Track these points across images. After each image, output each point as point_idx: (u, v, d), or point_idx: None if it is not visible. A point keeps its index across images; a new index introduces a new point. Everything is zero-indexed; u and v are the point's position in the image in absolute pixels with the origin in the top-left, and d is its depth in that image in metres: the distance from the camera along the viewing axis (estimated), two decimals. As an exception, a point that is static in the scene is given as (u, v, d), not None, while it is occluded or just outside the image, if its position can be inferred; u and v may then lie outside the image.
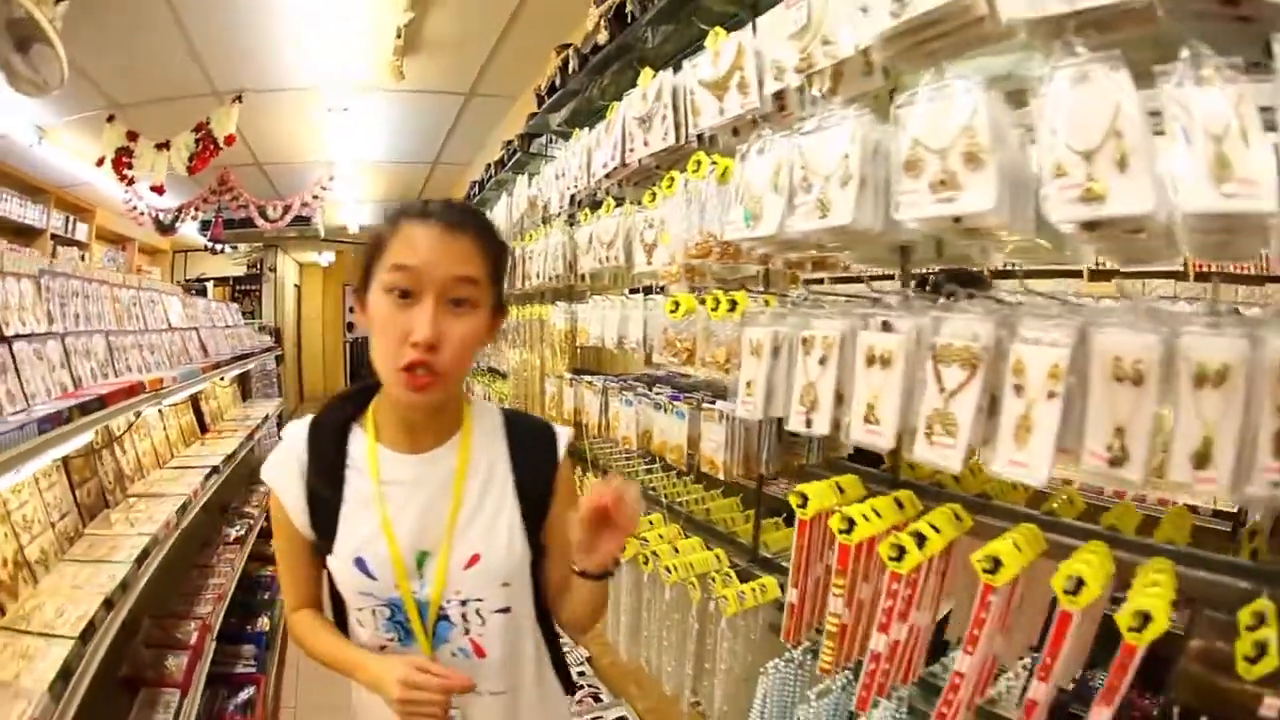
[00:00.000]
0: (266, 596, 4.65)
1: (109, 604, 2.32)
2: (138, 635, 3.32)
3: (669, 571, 2.23)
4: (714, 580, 2.10)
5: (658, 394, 2.55)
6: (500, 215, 4.65)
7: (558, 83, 3.54)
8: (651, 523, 2.61)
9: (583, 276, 3.22)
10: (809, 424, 1.59)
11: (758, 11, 1.90)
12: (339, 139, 7.99)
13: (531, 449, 1.53)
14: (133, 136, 6.58)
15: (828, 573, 1.62)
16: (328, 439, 1.46)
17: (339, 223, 11.75)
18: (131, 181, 7.02)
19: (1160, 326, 1.06)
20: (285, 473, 1.46)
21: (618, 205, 2.78)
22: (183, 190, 8.49)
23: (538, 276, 3.74)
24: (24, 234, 8.78)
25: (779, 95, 1.84)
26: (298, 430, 1.50)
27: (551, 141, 4.27)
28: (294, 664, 4.29)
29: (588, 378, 3.18)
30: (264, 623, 4.28)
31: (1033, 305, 1.34)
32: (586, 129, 3.02)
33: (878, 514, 1.50)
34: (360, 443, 1.46)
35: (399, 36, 5.02)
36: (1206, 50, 1.00)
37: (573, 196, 3.23)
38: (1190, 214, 0.99)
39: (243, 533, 4.87)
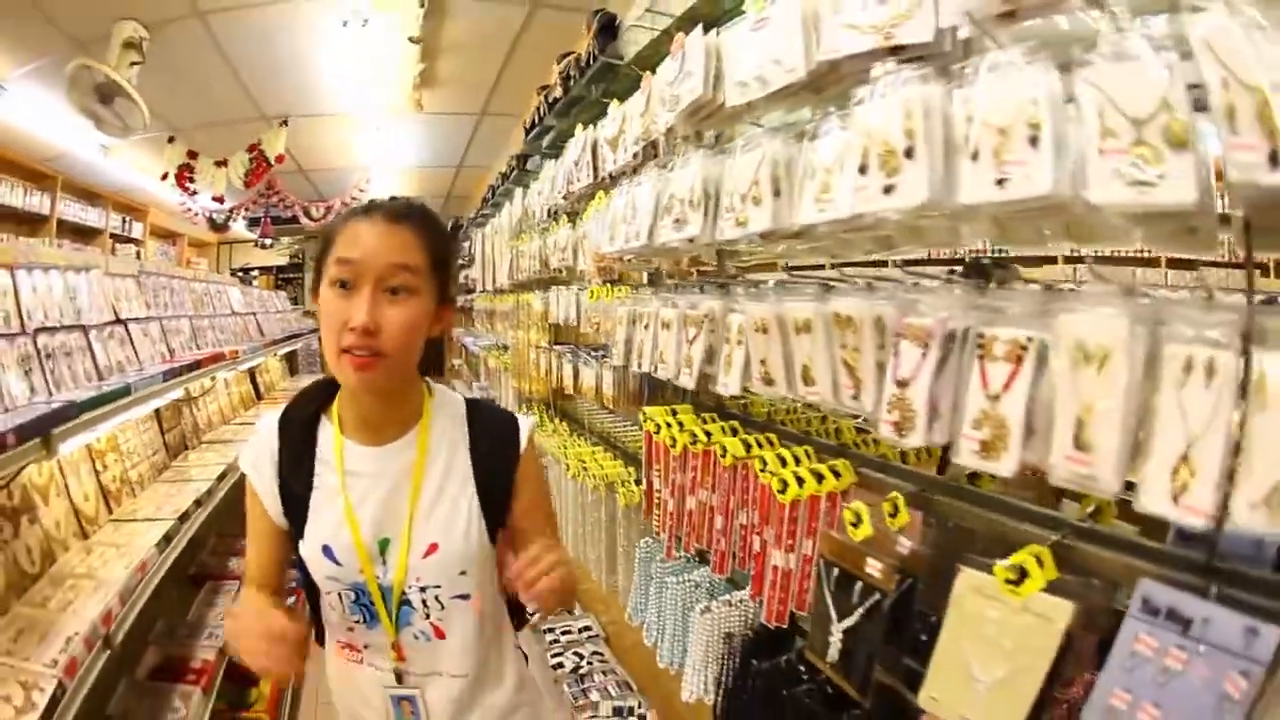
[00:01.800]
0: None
1: (184, 517, 3.16)
2: (205, 547, 4.26)
3: (591, 479, 3.16)
4: (619, 484, 3.01)
5: (584, 353, 3.52)
6: (505, 220, 5.55)
7: (537, 119, 4.43)
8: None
9: (555, 271, 4.08)
10: (655, 370, 2.39)
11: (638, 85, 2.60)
12: (373, 150, 8.94)
13: (492, 439, 1.59)
14: (193, 155, 7.64)
15: (664, 467, 2.42)
16: (297, 432, 1.54)
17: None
18: (194, 193, 8.08)
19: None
20: (259, 464, 1.54)
21: (570, 220, 3.67)
22: (234, 193, 9.54)
23: (526, 271, 4.65)
24: (84, 234, 9.78)
25: (653, 144, 2.49)
26: (270, 422, 1.57)
27: (541, 162, 5.09)
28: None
29: (557, 347, 4.14)
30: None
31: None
32: (555, 159, 3.92)
33: (680, 426, 2.31)
34: (327, 435, 1.53)
35: (416, 78, 5.98)
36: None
37: (547, 210, 4.09)
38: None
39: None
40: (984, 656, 1.27)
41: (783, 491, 1.79)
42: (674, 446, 2.29)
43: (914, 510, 1.53)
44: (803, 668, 1.85)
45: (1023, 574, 1.20)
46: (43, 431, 2.04)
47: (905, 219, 1.36)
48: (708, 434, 2.19)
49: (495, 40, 5.72)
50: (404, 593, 1.49)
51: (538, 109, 4.41)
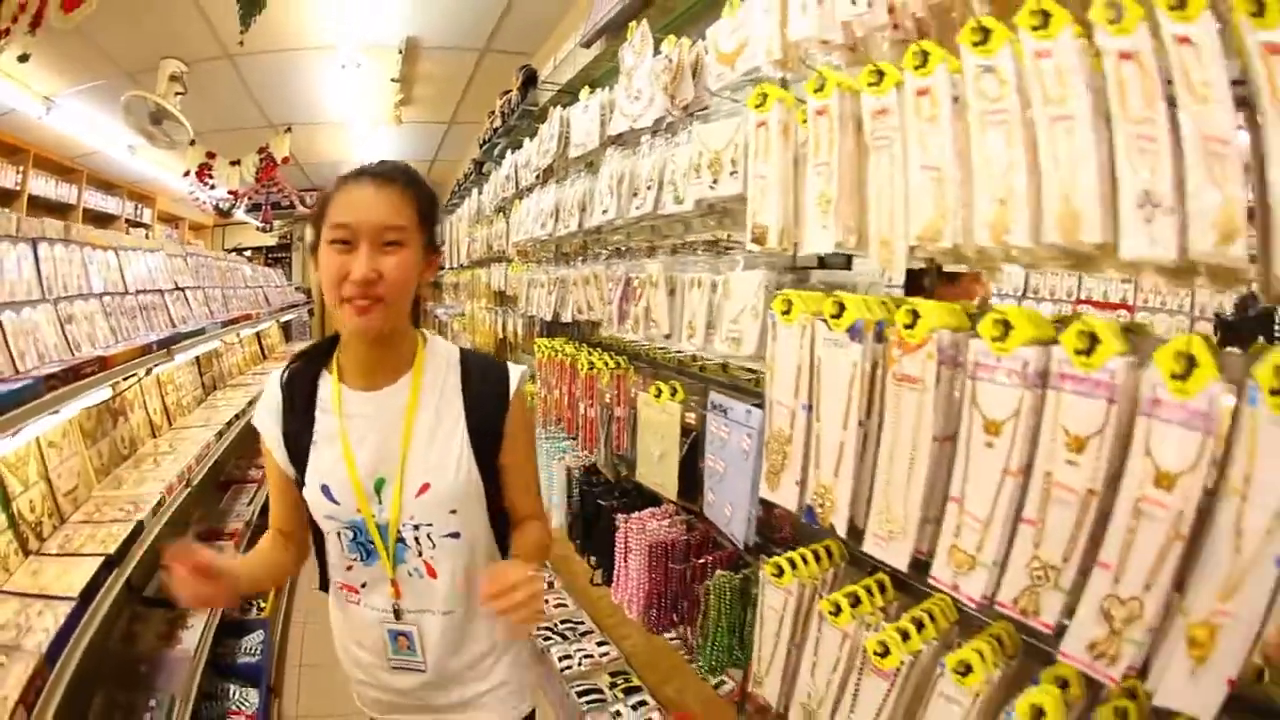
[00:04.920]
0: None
1: (220, 434, 4.35)
2: (229, 463, 5.51)
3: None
4: (529, 395, 4.29)
5: (510, 310, 4.84)
6: (465, 211, 6.77)
7: (486, 137, 5.65)
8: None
9: (495, 252, 5.31)
10: (537, 314, 3.69)
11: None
12: (360, 150, 10.20)
13: (483, 384, 1.65)
14: (211, 155, 8.99)
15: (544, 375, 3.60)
16: (299, 385, 1.64)
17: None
18: (213, 187, 9.43)
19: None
20: (267, 417, 1.66)
21: (504, 216, 4.92)
22: (244, 187, 10.84)
23: (479, 252, 5.91)
24: (103, 220, 10.89)
25: (549, 169, 3.61)
26: (274, 379, 1.68)
27: (492, 168, 5.94)
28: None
29: (497, 308, 5.45)
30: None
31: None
32: (498, 166, 5.16)
33: (555, 350, 3.48)
34: (327, 385, 1.62)
35: (397, 101, 7.36)
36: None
37: (493, 206, 5.31)
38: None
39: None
40: (654, 442, 2.44)
41: (591, 369, 3.01)
42: (549, 361, 3.52)
43: (649, 378, 2.76)
44: (605, 481, 3.09)
45: (661, 393, 2.42)
46: (166, 345, 3.38)
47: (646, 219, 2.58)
48: (571, 354, 3.46)
49: (457, 74, 7.09)
50: (399, 530, 1.57)
51: (487, 129, 5.67)
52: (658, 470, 2.41)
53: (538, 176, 3.76)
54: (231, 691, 3.29)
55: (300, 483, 1.62)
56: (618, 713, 3.01)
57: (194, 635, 3.19)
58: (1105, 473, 1.10)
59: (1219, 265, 1.01)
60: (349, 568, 1.65)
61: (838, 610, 1.59)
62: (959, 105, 1.31)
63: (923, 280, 2.22)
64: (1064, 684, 1.27)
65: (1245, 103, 0.96)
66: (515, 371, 1.70)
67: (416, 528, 1.59)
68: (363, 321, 1.47)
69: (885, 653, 1.47)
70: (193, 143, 7.59)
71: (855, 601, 1.59)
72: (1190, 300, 4.22)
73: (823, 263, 1.91)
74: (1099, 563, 1.12)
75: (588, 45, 3.49)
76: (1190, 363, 1.00)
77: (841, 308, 1.50)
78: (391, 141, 9.64)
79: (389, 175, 1.52)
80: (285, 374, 1.69)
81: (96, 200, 10.45)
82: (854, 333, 1.47)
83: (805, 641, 1.71)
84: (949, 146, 1.32)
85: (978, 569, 1.29)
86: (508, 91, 5.11)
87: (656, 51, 2.44)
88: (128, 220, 11.76)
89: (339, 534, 1.62)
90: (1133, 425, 1.06)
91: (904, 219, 1.41)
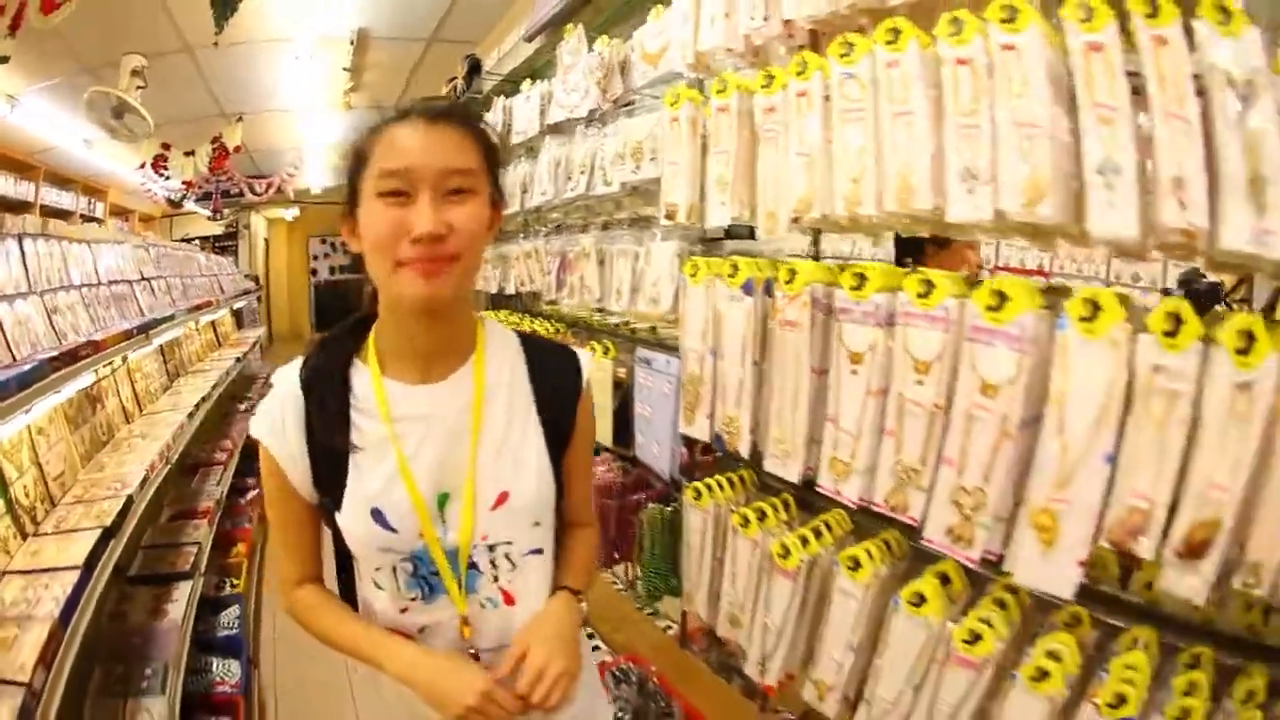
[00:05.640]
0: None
1: (190, 414, 4.54)
2: (195, 447, 5.61)
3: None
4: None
5: None
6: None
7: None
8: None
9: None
10: (498, 290, 4.02)
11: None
12: (308, 135, 10.37)
13: (554, 372, 1.40)
14: (166, 146, 9.11)
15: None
16: (327, 381, 1.29)
17: (304, 186, 13.68)
18: (168, 179, 9.55)
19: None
20: (280, 426, 1.29)
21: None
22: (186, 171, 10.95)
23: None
24: (59, 215, 10.85)
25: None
26: (289, 376, 1.32)
27: None
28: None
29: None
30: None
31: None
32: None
33: (506, 321, 3.83)
34: (364, 380, 1.29)
35: (346, 89, 7.56)
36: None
37: None
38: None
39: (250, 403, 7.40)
40: (599, 395, 2.74)
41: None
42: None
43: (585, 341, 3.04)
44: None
45: (595, 352, 2.69)
46: (144, 330, 3.62)
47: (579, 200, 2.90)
48: (515, 324, 3.71)
49: (404, 62, 7.34)
50: (470, 554, 1.29)
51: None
52: (597, 420, 2.70)
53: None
54: (214, 664, 3.36)
55: (332, 508, 1.28)
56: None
57: (179, 608, 3.37)
58: (946, 389, 1.38)
59: (1031, 223, 1.27)
60: (404, 610, 1.31)
61: (746, 522, 1.87)
62: (829, 104, 1.60)
63: (914, 249, 2.59)
64: (946, 579, 1.53)
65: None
66: (585, 358, 1.46)
67: (492, 548, 1.31)
68: (430, 287, 1.17)
69: (786, 554, 1.74)
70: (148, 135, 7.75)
71: (762, 516, 1.87)
72: (1106, 267, 4.56)
73: (729, 234, 2.20)
74: (944, 459, 1.39)
75: (530, 39, 3.76)
76: (1002, 298, 1.28)
77: (736, 269, 1.83)
78: (339, 126, 9.78)
79: (446, 113, 1.24)
80: (304, 369, 1.33)
81: (52, 196, 10.45)
82: (747, 289, 1.79)
83: (724, 556, 1.99)
84: (819, 136, 1.62)
85: (853, 476, 1.59)
86: (454, 79, 5.30)
87: (590, 50, 2.75)
88: (81, 215, 11.78)
89: (395, 569, 1.28)
90: (962, 349, 1.36)
91: (784, 196, 1.73)
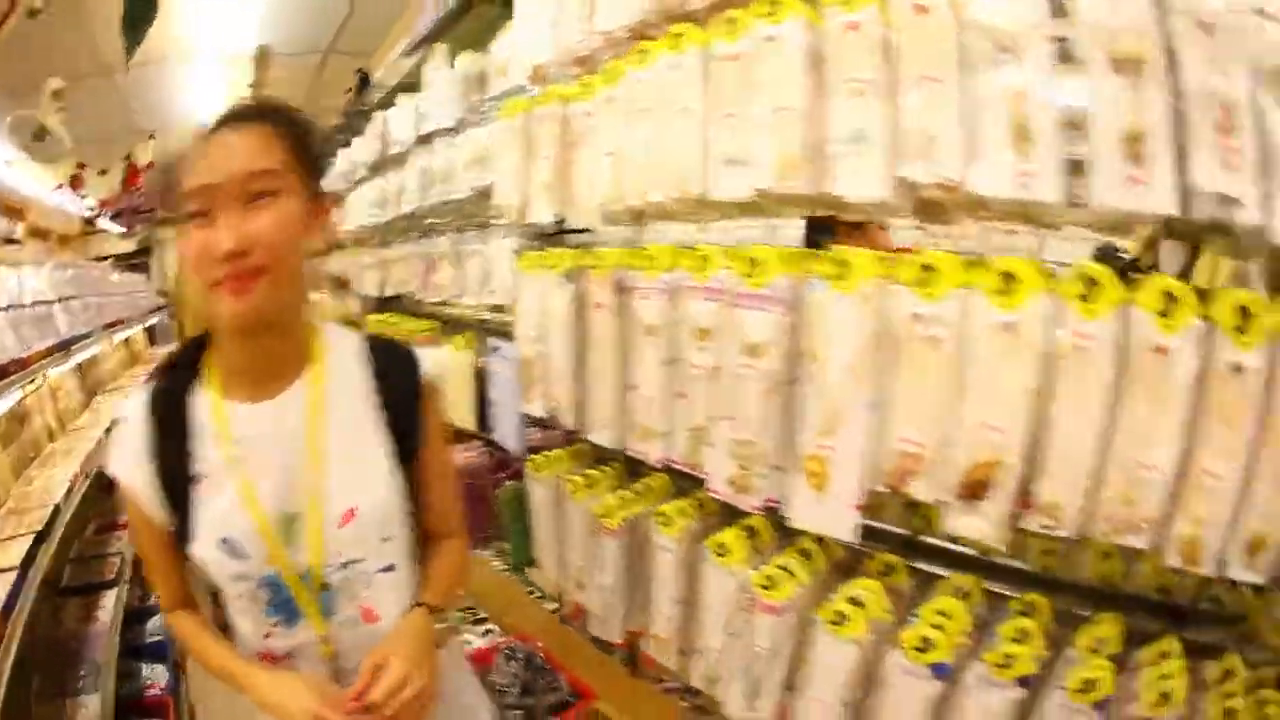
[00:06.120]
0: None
1: (108, 430, 4.71)
2: None
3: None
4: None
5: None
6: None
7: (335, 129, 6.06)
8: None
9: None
10: (380, 294, 4.26)
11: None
12: (214, 147, 10.45)
13: (395, 374, 1.34)
14: (81, 166, 9.14)
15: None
16: (168, 408, 1.25)
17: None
18: (85, 198, 9.65)
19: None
20: (129, 458, 1.24)
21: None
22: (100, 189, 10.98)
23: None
24: None
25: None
26: (134, 406, 1.27)
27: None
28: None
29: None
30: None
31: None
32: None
33: (387, 323, 3.98)
34: (205, 403, 1.25)
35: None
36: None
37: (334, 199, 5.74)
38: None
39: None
40: (454, 385, 2.90)
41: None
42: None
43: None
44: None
45: (455, 344, 2.95)
46: (65, 347, 3.83)
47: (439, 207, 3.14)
48: (395, 324, 3.87)
49: (304, 74, 7.51)
50: (323, 576, 1.24)
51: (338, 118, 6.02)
52: (459, 408, 2.87)
53: (367, 170, 4.26)
54: (143, 670, 3.49)
55: (184, 538, 1.24)
56: (468, 640, 3.52)
57: (108, 614, 3.57)
58: (725, 353, 1.53)
59: (785, 193, 1.41)
60: (267, 635, 1.27)
61: (577, 490, 2.06)
62: (630, 107, 1.76)
63: (825, 233, 2.52)
64: (752, 531, 1.66)
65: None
66: (426, 356, 1.40)
67: (345, 566, 1.25)
68: (241, 304, 1.12)
69: (607, 514, 1.90)
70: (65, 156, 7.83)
71: (591, 483, 2.07)
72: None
73: (561, 229, 2.40)
74: (723, 416, 1.55)
75: (409, 54, 3.93)
76: (754, 264, 1.44)
77: (560, 260, 2.03)
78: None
79: (244, 114, 1.20)
80: (148, 397, 1.27)
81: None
82: (569, 277, 2.00)
83: (562, 521, 2.16)
84: (621, 137, 1.80)
85: (654, 438, 1.77)
86: (349, 90, 5.49)
87: (452, 66, 2.99)
88: (2, 238, 11.69)
89: (253, 595, 1.24)
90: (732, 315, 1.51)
91: (595, 191, 1.91)
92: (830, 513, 1.39)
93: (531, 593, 2.73)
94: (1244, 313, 1.03)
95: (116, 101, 7.75)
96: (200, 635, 1.34)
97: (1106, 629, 1.30)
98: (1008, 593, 1.45)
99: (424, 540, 1.41)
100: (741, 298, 1.49)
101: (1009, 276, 1.15)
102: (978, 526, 1.22)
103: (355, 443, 1.28)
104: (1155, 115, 1.05)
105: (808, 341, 1.40)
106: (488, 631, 3.11)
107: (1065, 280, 1.14)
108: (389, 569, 1.29)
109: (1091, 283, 1.11)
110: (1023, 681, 1.22)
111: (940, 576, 1.52)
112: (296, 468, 1.23)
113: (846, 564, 1.63)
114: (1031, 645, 1.25)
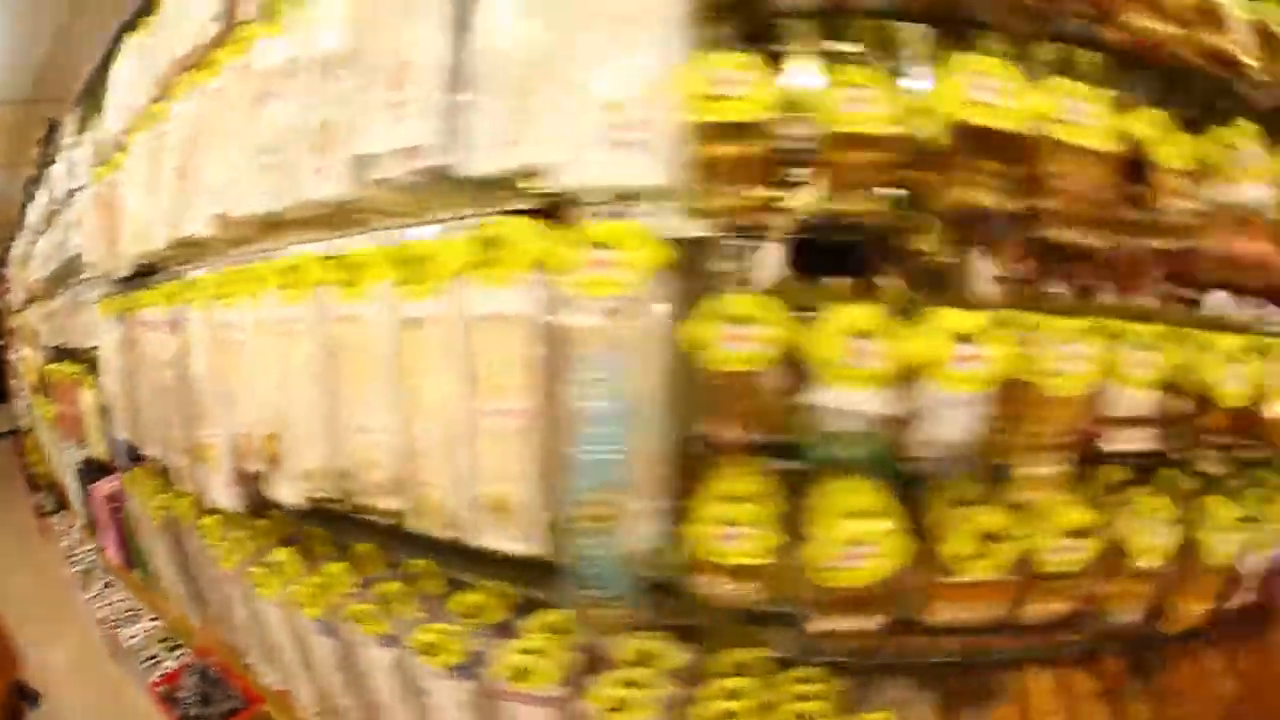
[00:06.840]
0: None
1: None
2: None
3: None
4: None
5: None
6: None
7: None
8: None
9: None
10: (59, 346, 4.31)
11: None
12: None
13: None
14: None
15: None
16: None
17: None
18: None
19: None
20: None
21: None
22: None
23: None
24: None
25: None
26: None
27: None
28: None
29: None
30: None
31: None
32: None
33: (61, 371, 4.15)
34: None
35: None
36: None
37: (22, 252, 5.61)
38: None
39: None
40: None
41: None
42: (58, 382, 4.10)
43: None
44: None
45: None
46: None
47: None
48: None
49: (12, 127, 7.30)
50: None
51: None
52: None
53: (46, 221, 4.30)
54: None
55: None
56: (168, 666, 3.56)
57: None
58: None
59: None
60: None
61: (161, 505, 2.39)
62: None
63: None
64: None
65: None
66: None
67: None
68: None
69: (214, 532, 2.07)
70: None
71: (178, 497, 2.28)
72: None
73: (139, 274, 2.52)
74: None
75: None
76: None
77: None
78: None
79: None
80: None
81: None
82: (120, 319, 2.36)
83: (182, 540, 2.35)
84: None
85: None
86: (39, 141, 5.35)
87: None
88: None
89: None
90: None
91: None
92: (219, 491, 1.78)
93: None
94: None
95: None
96: None
97: (475, 597, 1.43)
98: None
99: None
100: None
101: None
102: (285, 493, 1.48)
103: None
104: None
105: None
106: (182, 655, 3.18)
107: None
108: None
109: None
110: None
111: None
112: None
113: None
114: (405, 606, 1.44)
